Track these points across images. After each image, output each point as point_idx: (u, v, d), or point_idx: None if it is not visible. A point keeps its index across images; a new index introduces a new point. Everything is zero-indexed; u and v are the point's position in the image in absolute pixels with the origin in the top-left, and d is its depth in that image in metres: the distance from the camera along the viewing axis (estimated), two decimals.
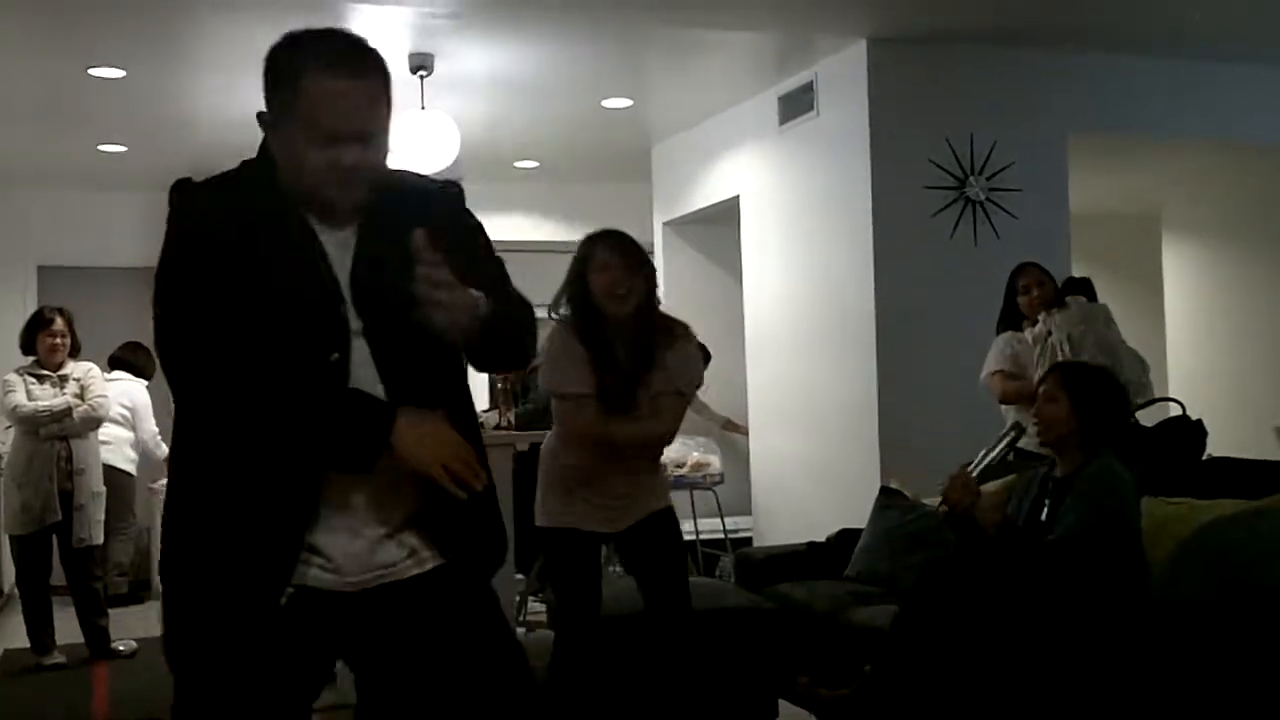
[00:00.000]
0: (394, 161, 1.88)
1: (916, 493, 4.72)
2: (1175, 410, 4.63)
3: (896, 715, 3.35)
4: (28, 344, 5.47)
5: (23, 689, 5.09)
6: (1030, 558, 3.31)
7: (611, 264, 3.21)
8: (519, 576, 5.33)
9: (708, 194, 6.75)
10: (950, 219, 5.37)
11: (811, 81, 5.65)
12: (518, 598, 5.40)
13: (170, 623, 1.86)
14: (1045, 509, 3.37)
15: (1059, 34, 5.32)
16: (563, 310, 3.30)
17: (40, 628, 5.41)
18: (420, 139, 5.35)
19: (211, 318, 1.76)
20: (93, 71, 5.32)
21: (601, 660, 3.38)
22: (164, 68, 5.35)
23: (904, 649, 3.36)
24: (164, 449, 6.22)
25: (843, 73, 5.44)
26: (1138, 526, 3.32)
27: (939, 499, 3.47)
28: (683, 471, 6.28)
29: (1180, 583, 3.42)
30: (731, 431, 7.06)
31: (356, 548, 1.79)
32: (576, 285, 3.26)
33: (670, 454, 4.90)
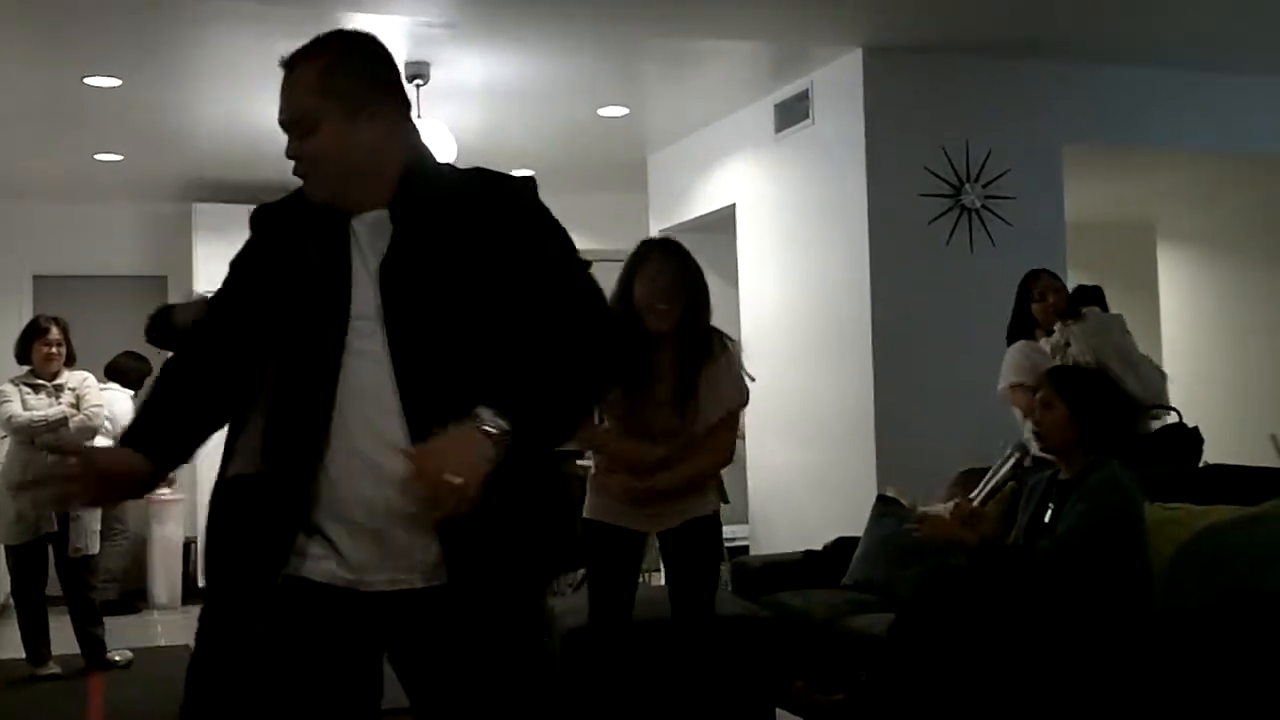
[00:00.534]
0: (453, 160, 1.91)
1: (914, 501, 4.72)
2: (1172, 418, 4.63)
3: None
4: (23, 353, 5.47)
5: (18, 699, 5.07)
6: (1024, 566, 3.31)
7: (660, 276, 3.15)
8: None
9: (704, 202, 6.76)
10: (946, 227, 5.38)
11: (807, 90, 5.66)
12: None
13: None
14: (1050, 511, 3.37)
15: (1054, 43, 5.33)
16: None
17: (35, 638, 5.40)
18: None
19: (215, 336, 1.92)
20: (89, 81, 5.32)
21: (619, 661, 3.38)
22: (160, 77, 5.35)
23: (901, 657, 3.36)
24: None
25: (838, 81, 5.45)
26: (1142, 535, 3.32)
27: (943, 505, 3.47)
28: None
29: (1177, 589, 3.42)
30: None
31: (376, 549, 1.77)
32: (622, 289, 3.20)
33: None
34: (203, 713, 1.84)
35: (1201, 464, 4.56)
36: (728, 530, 6.39)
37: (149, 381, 1.84)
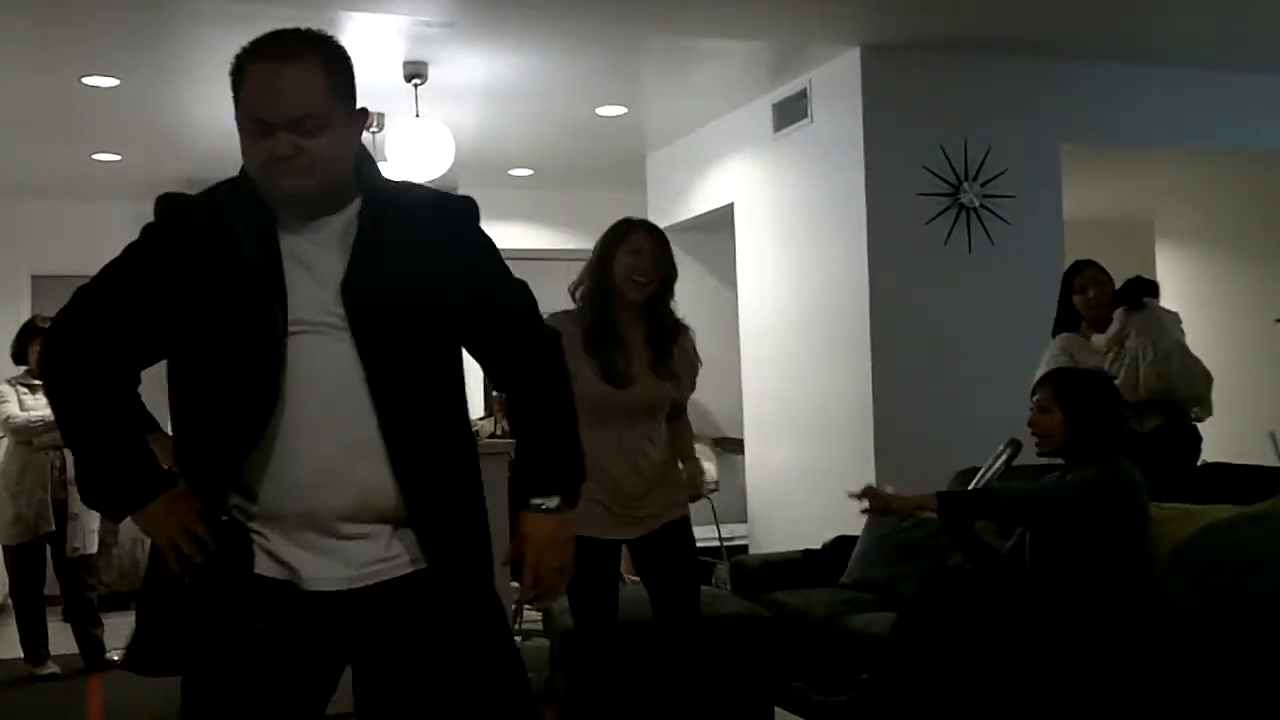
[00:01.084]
0: (396, 172, 1.89)
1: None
2: (1162, 419, 4.62)
3: None
4: (19, 354, 5.46)
5: (16, 699, 5.07)
6: (1018, 572, 3.31)
7: (643, 251, 3.30)
8: (515, 585, 5.32)
9: (702, 201, 6.76)
10: (944, 226, 5.38)
11: (805, 89, 5.66)
12: (514, 605, 5.38)
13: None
14: None
15: (1052, 42, 5.33)
16: (579, 295, 3.34)
17: (34, 638, 5.40)
18: (415, 147, 5.35)
19: (109, 318, 1.86)
20: (86, 80, 5.31)
21: (611, 667, 3.38)
22: (157, 77, 5.35)
23: (903, 657, 3.36)
24: None
25: (836, 80, 5.45)
26: (1143, 523, 3.32)
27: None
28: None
29: (1175, 587, 3.42)
30: (726, 449, 7.04)
31: (339, 549, 1.80)
32: (600, 262, 3.32)
33: None
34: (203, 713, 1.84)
35: (1199, 463, 4.56)
36: (726, 530, 6.41)
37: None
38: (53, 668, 5.38)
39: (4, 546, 5.45)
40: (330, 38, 1.81)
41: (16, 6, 4.50)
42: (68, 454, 5.37)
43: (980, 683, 3.24)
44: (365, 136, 1.98)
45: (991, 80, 5.46)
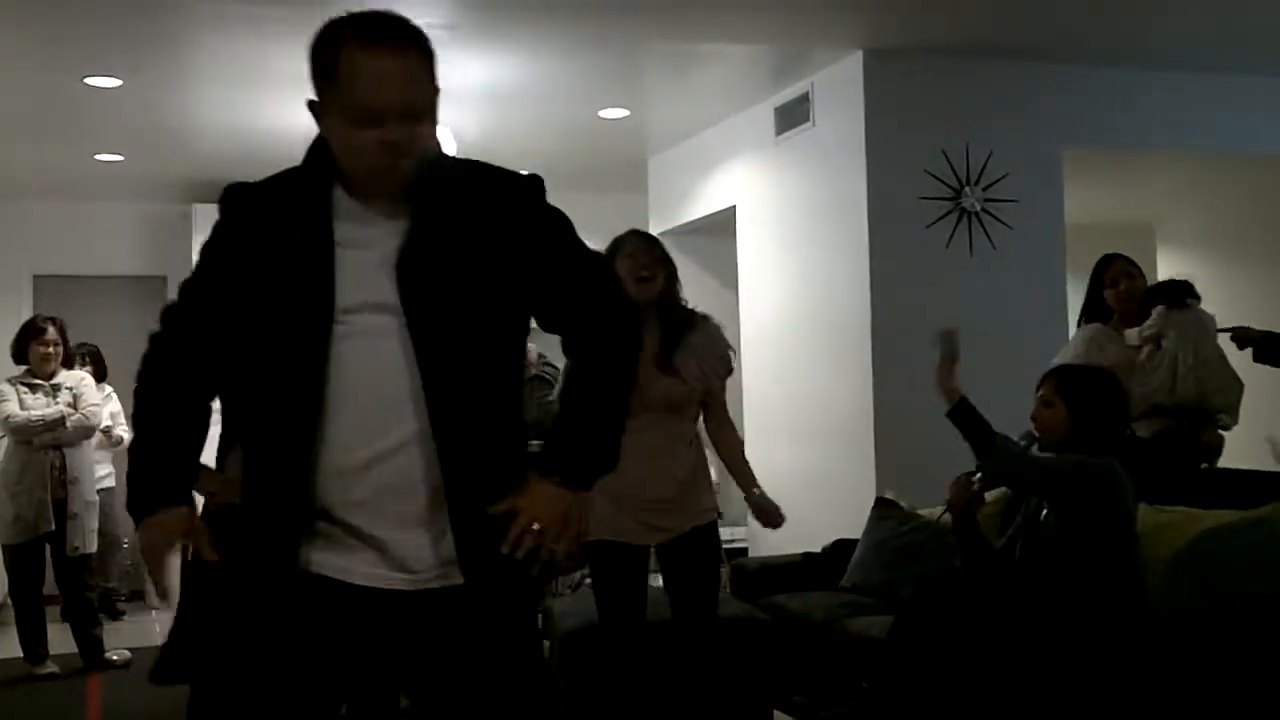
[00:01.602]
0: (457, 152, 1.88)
1: (912, 504, 4.72)
2: (1164, 423, 4.61)
3: None
4: (20, 353, 5.47)
5: (16, 699, 5.07)
6: (1008, 571, 3.32)
7: (639, 249, 3.40)
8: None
9: (704, 205, 6.76)
10: (946, 230, 5.38)
11: (807, 93, 5.66)
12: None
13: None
14: (1045, 509, 3.37)
15: (1054, 46, 5.34)
16: None
17: (33, 637, 5.40)
18: None
19: (192, 324, 1.84)
20: (89, 81, 5.32)
21: (627, 664, 3.38)
22: (160, 77, 5.35)
23: (901, 663, 3.36)
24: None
25: (838, 84, 5.45)
26: (1130, 519, 3.32)
27: (941, 508, 3.48)
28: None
29: (1175, 592, 3.42)
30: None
31: (393, 547, 1.78)
32: None
33: None
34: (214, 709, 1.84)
35: (1200, 467, 4.56)
36: (725, 532, 6.40)
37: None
38: (52, 667, 5.38)
39: (3, 546, 5.45)
40: (416, 25, 1.80)
41: (19, 6, 4.51)
42: (67, 453, 5.38)
43: (976, 687, 3.24)
44: None
45: (993, 84, 5.46)
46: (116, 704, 4.85)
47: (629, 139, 6.80)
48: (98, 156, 6.77)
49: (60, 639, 5.49)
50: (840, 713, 3.56)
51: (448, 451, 1.75)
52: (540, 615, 4.65)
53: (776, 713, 4.03)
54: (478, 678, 1.82)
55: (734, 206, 6.41)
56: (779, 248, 6.03)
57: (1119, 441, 3.42)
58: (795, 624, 4.31)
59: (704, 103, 6.15)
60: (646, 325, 3.33)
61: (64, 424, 5.34)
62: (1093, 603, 3.19)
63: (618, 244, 3.44)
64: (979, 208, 5.41)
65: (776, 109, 5.91)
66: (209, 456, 2.03)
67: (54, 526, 5.32)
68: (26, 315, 6.29)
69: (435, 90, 1.79)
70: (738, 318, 6.41)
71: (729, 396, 6.71)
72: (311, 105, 1.80)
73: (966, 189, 5.40)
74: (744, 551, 6.13)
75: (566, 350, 1.97)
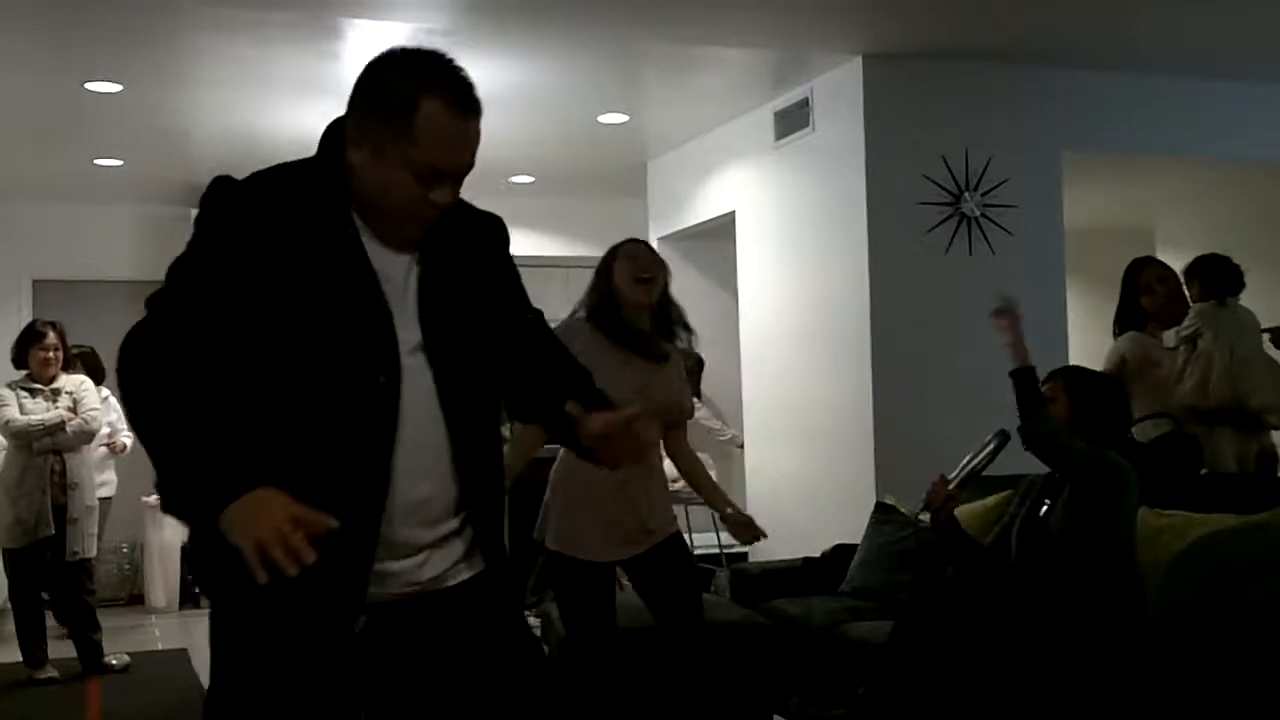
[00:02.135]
0: None
1: (912, 508, 4.71)
2: (1170, 425, 4.61)
3: None
4: (20, 357, 5.47)
5: (14, 703, 5.07)
6: (1003, 569, 3.32)
7: (638, 251, 3.39)
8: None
9: (704, 209, 6.77)
10: (945, 235, 5.38)
11: (807, 98, 5.67)
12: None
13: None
14: (1045, 506, 3.38)
15: (1053, 51, 5.34)
16: (580, 313, 3.38)
17: (32, 641, 5.40)
18: None
19: (209, 327, 1.72)
20: (89, 86, 5.33)
21: (609, 675, 3.38)
22: (160, 82, 5.36)
23: (898, 667, 3.36)
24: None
25: (838, 89, 5.45)
26: (1133, 533, 3.32)
27: (919, 505, 3.50)
28: (677, 487, 6.25)
29: (1174, 596, 3.42)
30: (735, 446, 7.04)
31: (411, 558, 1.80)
32: (601, 276, 3.39)
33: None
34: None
35: (1201, 472, 4.56)
36: (726, 536, 6.39)
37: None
38: (51, 671, 5.38)
39: (3, 550, 5.45)
40: None
41: (21, 11, 4.52)
42: (67, 458, 5.38)
43: (974, 692, 3.24)
44: None
45: (993, 89, 5.47)
46: (115, 708, 4.84)
47: (628, 144, 6.80)
48: (98, 161, 6.77)
49: (61, 643, 5.49)
50: (838, 715, 3.56)
51: (465, 469, 1.81)
52: (539, 620, 4.65)
53: (776, 717, 4.02)
54: (494, 657, 1.86)
55: (734, 211, 6.42)
56: (779, 253, 6.03)
57: (1117, 444, 3.42)
58: (795, 629, 4.31)
59: (703, 108, 6.16)
60: (639, 328, 3.37)
61: (64, 429, 5.34)
62: (1091, 606, 3.19)
63: (615, 249, 3.44)
64: (978, 213, 5.42)
65: (776, 114, 5.92)
66: None
67: (54, 531, 5.32)
68: (26, 319, 6.29)
69: None
70: (737, 322, 6.42)
71: (728, 400, 6.74)
72: (349, 130, 1.75)
73: (966, 194, 5.40)
74: (744, 556, 6.13)
75: (511, 406, 2.05)
